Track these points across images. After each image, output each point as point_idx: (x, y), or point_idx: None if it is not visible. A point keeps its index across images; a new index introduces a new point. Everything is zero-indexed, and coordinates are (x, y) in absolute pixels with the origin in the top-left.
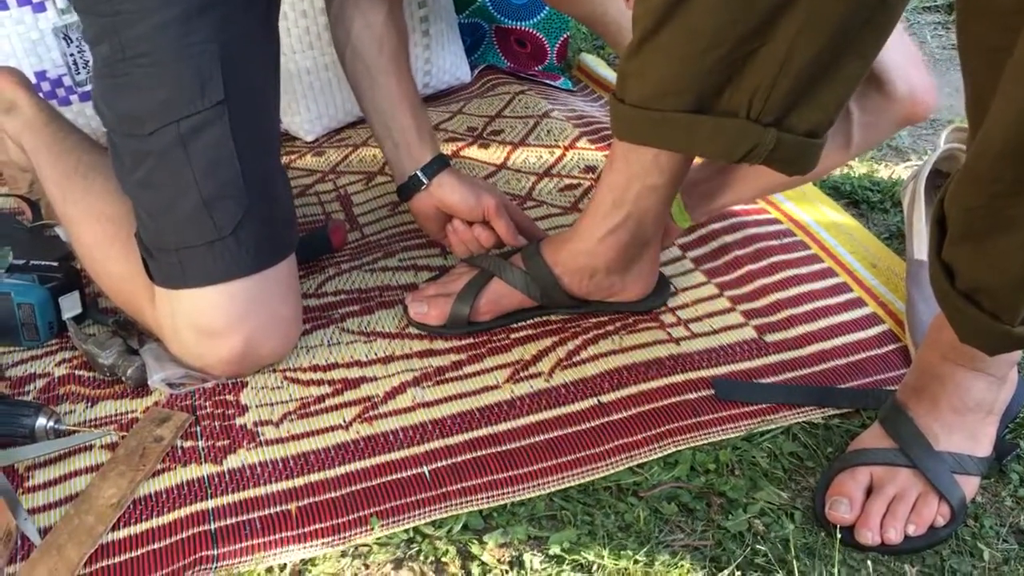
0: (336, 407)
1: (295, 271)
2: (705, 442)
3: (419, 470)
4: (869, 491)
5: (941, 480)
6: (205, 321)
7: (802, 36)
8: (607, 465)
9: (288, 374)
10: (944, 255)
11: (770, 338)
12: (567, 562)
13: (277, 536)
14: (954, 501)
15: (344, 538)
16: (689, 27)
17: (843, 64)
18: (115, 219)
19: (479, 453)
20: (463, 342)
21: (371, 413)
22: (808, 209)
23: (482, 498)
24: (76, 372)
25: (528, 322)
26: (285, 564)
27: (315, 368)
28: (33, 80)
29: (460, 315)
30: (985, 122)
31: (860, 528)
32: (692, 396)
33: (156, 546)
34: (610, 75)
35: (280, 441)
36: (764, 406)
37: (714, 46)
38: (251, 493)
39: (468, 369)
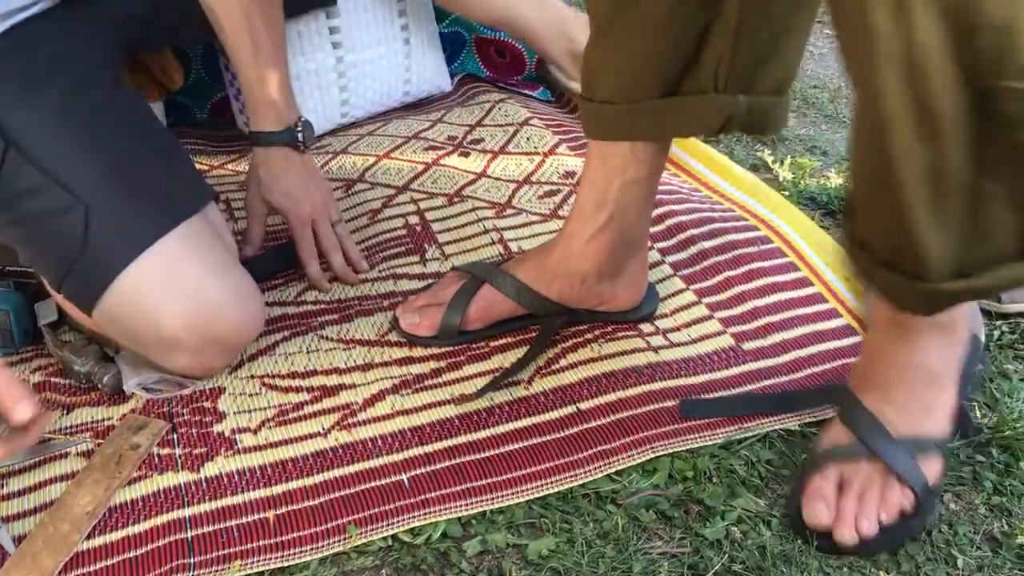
0: (314, 414)
1: (203, 241)
2: (683, 449)
3: (398, 477)
4: (841, 488)
5: (901, 466)
6: (131, 329)
7: (748, 1)
8: (586, 472)
9: (266, 380)
10: (856, 232)
11: (748, 346)
12: (545, 569)
13: (254, 544)
14: (916, 486)
15: (322, 546)
16: (641, 16)
17: (796, 17)
18: None
19: (458, 460)
20: (442, 349)
21: (350, 420)
22: (785, 217)
23: (461, 505)
24: (52, 379)
25: (507, 330)
26: (263, 572)
27: (293, 375)
28: None
29: (451, 324)
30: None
31: (838, 528)
32: (670, 403)
33: (132, 554)
34: None
35: (258, 448)
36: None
37: (668, 30)
38: (228, 501)
39: (447, 376)
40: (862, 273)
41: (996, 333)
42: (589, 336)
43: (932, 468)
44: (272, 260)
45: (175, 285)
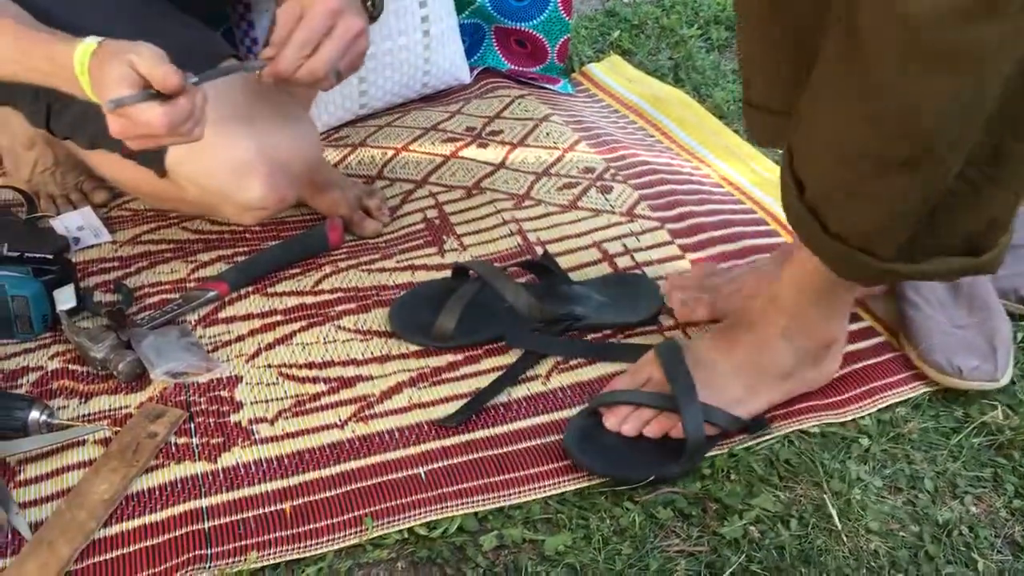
0: (331, 405)
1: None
2: None
3: (415, 471)
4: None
5: (690, 428)
6: (205, 168)
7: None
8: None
9: (283, 370)
10: (810, 200)
11: None
12: (562, 565)
13: (271, 536)
14: (692, 444)
15: (338, 538)
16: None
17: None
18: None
19: (475, 455)
20: (458, 343)
21: (367, 412)
22: None
23: (478, 500)
24: (69, 366)
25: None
26: (279, 564)
27: (311, 365)
28: None
29: (446, 327)
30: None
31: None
32: None
33: (148, 543)
34: (616, 84)
35: (275, 439)
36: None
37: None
38: (245, 492)
39: (464, 370)
40: (807, 238)
41: (1020, 335)
42: (608, 332)
43: (709, 431)
44: (291, 249)
45: (240, 109)
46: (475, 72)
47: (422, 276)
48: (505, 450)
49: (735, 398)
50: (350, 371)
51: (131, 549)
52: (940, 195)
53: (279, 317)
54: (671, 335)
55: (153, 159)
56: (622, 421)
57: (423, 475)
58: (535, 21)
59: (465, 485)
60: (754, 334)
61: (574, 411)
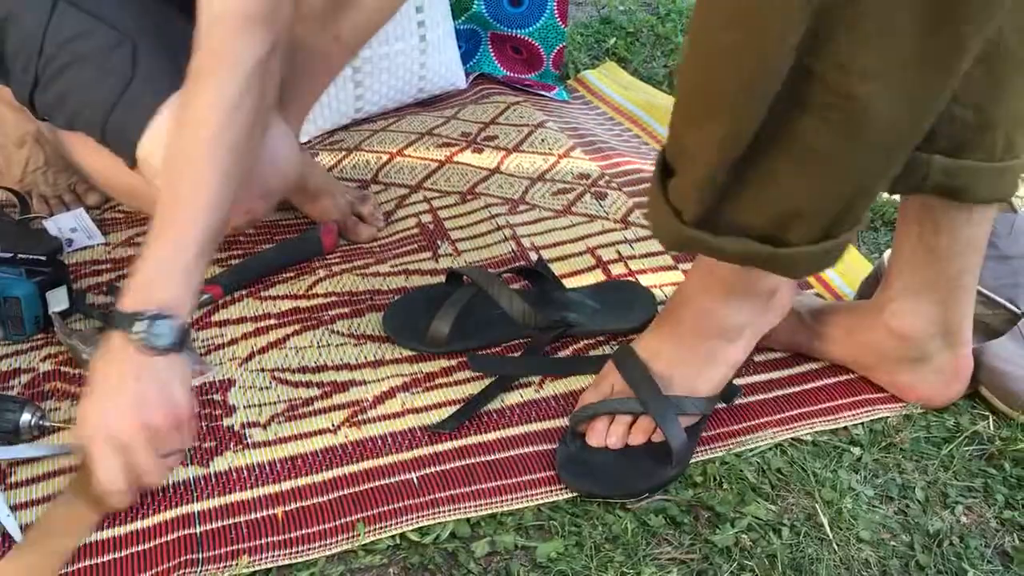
0: (324, 410)
1: None
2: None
3: (407, 476)
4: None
5: (669, 428)
6: None
7: None
8: None
9: (276, 374)
10: (667, 154)
11: (759, 357)
12: (554, 572)
13: (262, 541)
14: (676, 446)
15: (330, 544)
16: None
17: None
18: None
19: (468, 461)
20: (450, 348)
21: (360, 417)
22: None
23: (470, 506)
24: (61, 368)
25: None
26: (270, 569)
27: (304, 369)
28: None
29: (440, 333)
30: None
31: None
32: None
33: (141, 548)
34: (611, 91)
35: (267, 444)
36: (754, 423)
37: None
38: (237, 497)
39: (458, 376)
40: (653, 184)
41: None
42: (602, 338)
43: (687, 421)
44: (285, 253)
45: None
46: (471, 78)
47: (416, 281)
48: (498, 456)
49: (698, 374)
50: (343, 375)
51: (122, 554)
52: (731, 158)
53: (272, 321)
54: None
55: (125, 146)
56: (605, 436)
57: (415, 480)
58: (531, 28)
59: (457, 491)
60: (695, 306)
61: (567, 420)
